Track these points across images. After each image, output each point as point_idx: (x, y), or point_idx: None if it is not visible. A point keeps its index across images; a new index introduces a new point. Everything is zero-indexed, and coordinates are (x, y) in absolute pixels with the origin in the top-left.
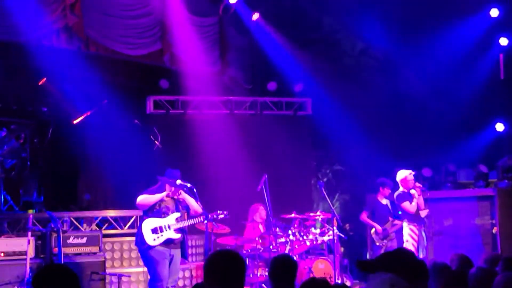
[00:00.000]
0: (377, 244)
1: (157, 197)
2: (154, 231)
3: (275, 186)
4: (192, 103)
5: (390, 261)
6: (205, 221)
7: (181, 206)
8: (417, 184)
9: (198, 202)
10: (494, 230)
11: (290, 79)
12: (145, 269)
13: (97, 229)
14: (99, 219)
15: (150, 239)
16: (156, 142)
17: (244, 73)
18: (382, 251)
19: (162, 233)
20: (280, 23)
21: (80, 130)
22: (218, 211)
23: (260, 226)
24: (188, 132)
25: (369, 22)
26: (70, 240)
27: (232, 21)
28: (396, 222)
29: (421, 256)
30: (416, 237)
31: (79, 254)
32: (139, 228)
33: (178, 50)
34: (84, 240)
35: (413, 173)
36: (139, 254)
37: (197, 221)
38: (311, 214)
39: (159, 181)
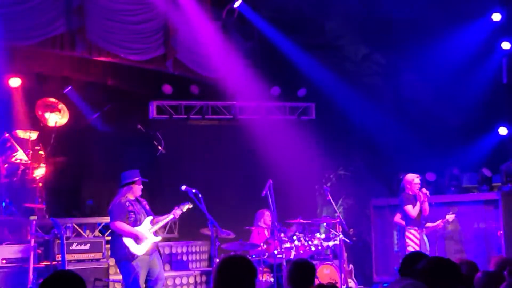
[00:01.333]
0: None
1: (135, 232)
2: (137, 240)
3: (279, 191)
4: (195, 108)
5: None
6: (172, 216)
7: (143, 204)
8: (424, 190)
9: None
10: (499, 233)
11: (294, 84)
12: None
13: (100, 235)
14: (102, 225)
15: (137, 249)
16: (160, 147)
17: (247, 78)
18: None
19: (145, 241)
20: (283, 27)
21: (83, 135)
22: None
23: (266, 232)
24: (192, 137)
25: (372, 26)
26: (73, 247)
27: (236, 26)
28: (428, 225)
29: None
30: (417, 241)
31: (82, 260)
32: (119, 241)
33: (182, 56)
34: (87, 246)
35: (419, 177)
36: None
37: (170, 219)
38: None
39: (123, 188)
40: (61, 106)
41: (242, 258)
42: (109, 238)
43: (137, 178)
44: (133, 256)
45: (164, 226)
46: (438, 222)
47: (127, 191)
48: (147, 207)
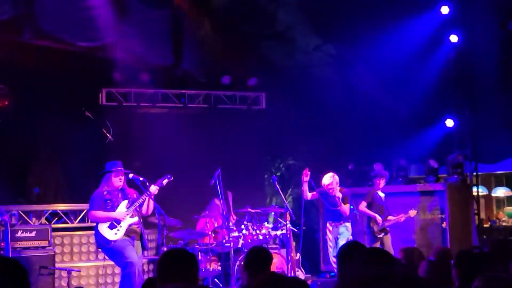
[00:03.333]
0: (375, 236)
1: (113, 215)
2: (112, 226)
3: (228, 180)
4: (145, 96)
5: None
6: (148, 193)
7: (126, 193)
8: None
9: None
10: (444, 224)
11: (244, 74)
12: (96, 263)
13: (47, 223)
14: (48, 212)
15: (111, 234)
16: (108, 135)
17: (198, 66)
18: (378, 244)
19: (120, 225)
20: (235, 17)
21: (30, 121)
22: (162, 179)
23: (214, 220)
24: (141, 125)
25: (323, 18)
26: (19, 234)
27: (187, 14)
28: (390, 217)
29: (333, 254)
30: (331, 236)
31: (28, 248)
32: (96, 229)
33: (132, 43)
34: (33, 234)
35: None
36: (89, 249)
37: (144, 199)
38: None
39: (102, 178)
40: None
41: (182, 250)
42: (55, 226)
43: (112, 169)
44: (108, 243)
45: None
46: (399, 216)
47: (105, 181)
48: (132, 195)
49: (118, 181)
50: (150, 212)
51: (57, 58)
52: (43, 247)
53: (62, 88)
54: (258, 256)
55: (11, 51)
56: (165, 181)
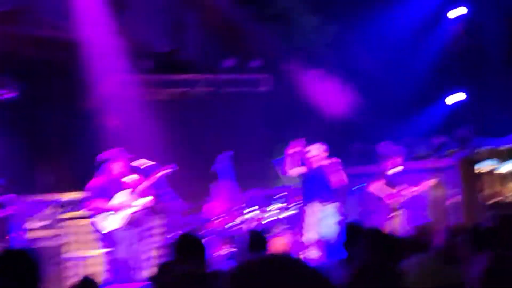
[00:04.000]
0: (387, 214)
1: (110, 206)
2: (109, 215)
3: (237, 163)
4: (148, 82)
5: None
6: (148, 182)
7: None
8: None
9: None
10: (452, 200)
11: (247, 56)
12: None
13: (57, 212)
14: (61, 202)
15: (108, 223)
16: (114, 122)
17: (200, 50)
18: (390, 221)
19: (118, 214)
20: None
21: (36, 113)
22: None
23: (222, 204)
24: (145, 112)
25: None
26: (29, 224)
27: None
28: (404, 192)
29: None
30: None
31: (36, 238)
32: (95, 220)
33: (130, 28)
34: (42, 223)
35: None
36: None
37: (145, 186)
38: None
39: (103, 165)
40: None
41: (190, 236)
42: (65, 215)
43: (114, 158)
44: (103, 230)
45: None
46: (414, 188)
47: (105, 169)
48: (131, 183)
49: (118, 167)
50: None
51: (58, 48)
52: (51, 237)
53: (64, 79)
54: (254, 240)
55: (15, 42)
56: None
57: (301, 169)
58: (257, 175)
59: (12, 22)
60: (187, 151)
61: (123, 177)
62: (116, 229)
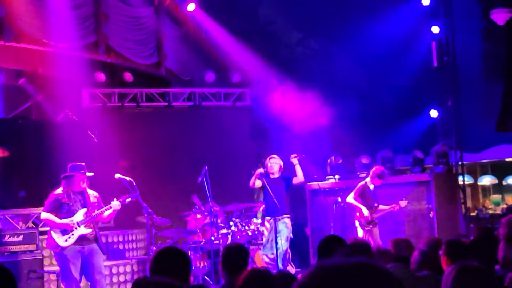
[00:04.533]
0: (363, 228)
1: (61, 223)
2: (64, 232)
3: (215, 177)
4: (129, 96)
5: None
6: (109, 208)
7: (85, 197)
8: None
9: (139, 195)
10: (431, 214)
11: (228, 70)
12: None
13: (34, 226)
14: (35, 216)
15: (62, 240)
16: (93, 136)
17: (181, 64)
18: (366, 236)
19: (73, 232)
20: (217, 13)
21: (15, 125)
22: (126, 196)
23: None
24: (126, 125)
25: (305, 12)
26: (6, 239)
27: (168, 12)
28: (382, 207)
29: (269, 250)
30: (267, 232)
31: (16, 252)
32: (49, 231)
33: (114, 42)
34: (20, 238)
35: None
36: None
37: (103, 211)
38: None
39: (63, 180)
40: None
41: (175, 249)
42: (42, 229)
43: (76, 173)
44: (57, 247)
45: None
46: (391, 206)
47: (67, 183)
48: (92, 199)
49: (80, 184)
50: (110, 220)
51: (38, 60)
52: (31, 251)
53: (45, 90)
54: (233, 254)
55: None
56: (128, 200)
57: (259, 182)
58: (237, 189)
59: None
60: (168, 164)
61: (82, 192)
62: (65, 247)
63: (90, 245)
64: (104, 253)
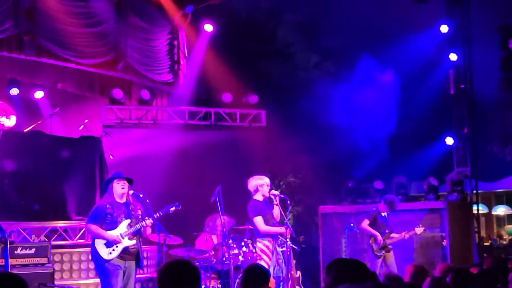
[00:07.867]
0: (375, 253)
1: (107, 236)
2: (108, 244)
3: (228, 197)
4: (146, 113)
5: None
6: (150, 220)
7: (130, 209)
8: (274, 192)
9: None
10: (444, 242)
11: (245, 91)
12: (95, 280)
13: (46, 240)
14: (48, 230)
15: (106, 253)
16: (111, 156)
17: (198, 84)
18: (379, 261)
19: (117, 245)
20: (235, 34)
21: (31, 138)
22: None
23: (214, 237)
24: (142, 142)
25: (323, 36)
26: (18, 251)
27: (186, 32)
28: (393, 235)
29: (273, 273)
30: (270, 254)
31: (27, 265)
32: (92, 243)
33: (132, 60)
34: (32, 251)
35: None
36: (89, 266)
37: (148, 222)
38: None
39: (106, 188)
40: (8, 108)
41: (184, 262)
42: (55, 243)
43: (112, 177)
44: (100, 260)
45: None
46: (403, 233)
47: (109, 192)
48: (137, 212)
49: (120, 188)
50: (149, 233)
51: (58, 75)
52: (43, 264)
53: (63, 105)
54: (255, 274)
55: (11, 67)
56: (172, 209)
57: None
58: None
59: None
60: (182, 182)
61: (126, 204)
62: (109, 260)
63: (130, 262)
64: (142, 268)
